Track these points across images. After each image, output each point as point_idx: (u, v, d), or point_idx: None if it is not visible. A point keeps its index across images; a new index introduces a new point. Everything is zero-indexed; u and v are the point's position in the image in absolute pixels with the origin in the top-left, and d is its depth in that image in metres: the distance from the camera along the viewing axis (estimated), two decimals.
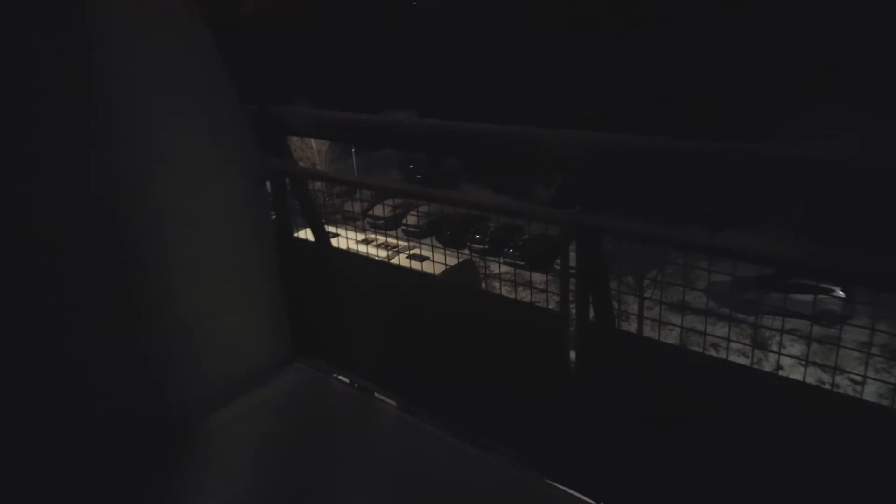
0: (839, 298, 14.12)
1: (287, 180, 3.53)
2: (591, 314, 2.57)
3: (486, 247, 22.82)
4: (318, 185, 4.02)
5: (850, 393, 2.43)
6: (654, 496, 2.62)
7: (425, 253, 3.86)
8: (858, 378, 2.56)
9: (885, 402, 2.23)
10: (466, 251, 21.86)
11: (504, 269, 20.17)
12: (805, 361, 2.53)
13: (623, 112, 21.30)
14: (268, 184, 3.40)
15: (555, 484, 2.74)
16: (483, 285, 13.59)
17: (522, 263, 19.72)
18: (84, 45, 2.44)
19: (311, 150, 27.05)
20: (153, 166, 2.70)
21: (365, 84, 29.19)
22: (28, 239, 2.40)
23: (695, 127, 17.98)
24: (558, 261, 2.67)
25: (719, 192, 2.66)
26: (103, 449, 2.70)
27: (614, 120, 18.89)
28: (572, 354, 2.64)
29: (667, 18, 24.63)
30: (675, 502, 2.56)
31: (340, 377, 3.59)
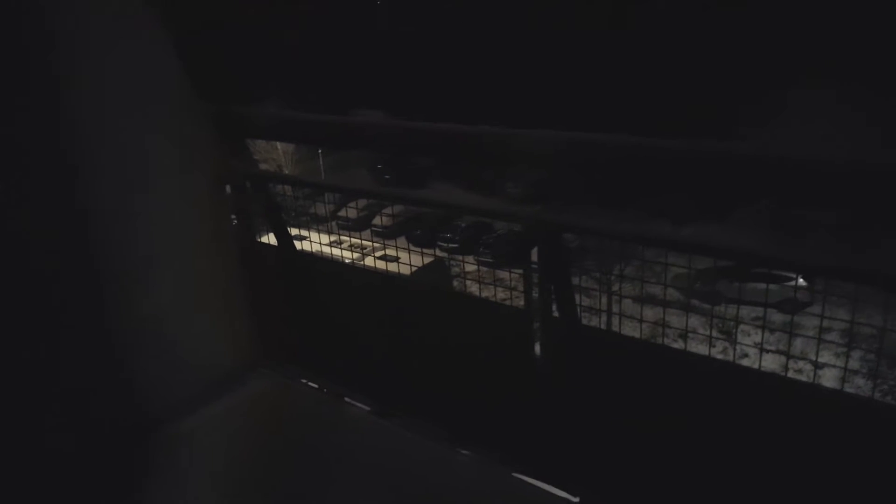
0: (800, 287, 14.38)
1: (248, 184, 3.48)
2: (556, 310, 2.59)
3: (457, 245, 22.84)
4: (284, 187, 3.97)
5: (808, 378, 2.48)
6: (626, 487, 2.65)
7: (395, 253, 3.83)
8: (819, 363, 2.63)
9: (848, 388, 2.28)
10: (437, 250, 21.84)
11: (474, 267, 20.20)
12: (764, 348, 2.58)
13: (588, 111, 21.48)
14: (228, 187, 3.34)
15: (529, 480, 2.74)
16: (453, 284, 13.58)
17: (491, 261, 19.78)
18: (33, 42, 2.38)
19: (276, 151, 26.77)
20: (105, 167, 2.63)
21: (332, 84, 29.00)
22: None
23: (660, 125, 18.21)
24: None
25: (683, 188, 2.69)
26: (68, 453, 2.64)
27: (580, 119, 19.05)
28: (537, 350, 2.65)
29: (636, 19, 24.95)
30: (647, 492, 2.59)
31: (309, 382, 3.56)
